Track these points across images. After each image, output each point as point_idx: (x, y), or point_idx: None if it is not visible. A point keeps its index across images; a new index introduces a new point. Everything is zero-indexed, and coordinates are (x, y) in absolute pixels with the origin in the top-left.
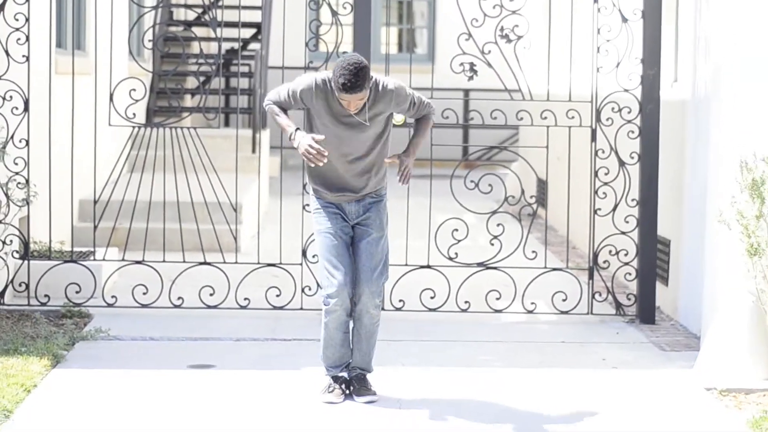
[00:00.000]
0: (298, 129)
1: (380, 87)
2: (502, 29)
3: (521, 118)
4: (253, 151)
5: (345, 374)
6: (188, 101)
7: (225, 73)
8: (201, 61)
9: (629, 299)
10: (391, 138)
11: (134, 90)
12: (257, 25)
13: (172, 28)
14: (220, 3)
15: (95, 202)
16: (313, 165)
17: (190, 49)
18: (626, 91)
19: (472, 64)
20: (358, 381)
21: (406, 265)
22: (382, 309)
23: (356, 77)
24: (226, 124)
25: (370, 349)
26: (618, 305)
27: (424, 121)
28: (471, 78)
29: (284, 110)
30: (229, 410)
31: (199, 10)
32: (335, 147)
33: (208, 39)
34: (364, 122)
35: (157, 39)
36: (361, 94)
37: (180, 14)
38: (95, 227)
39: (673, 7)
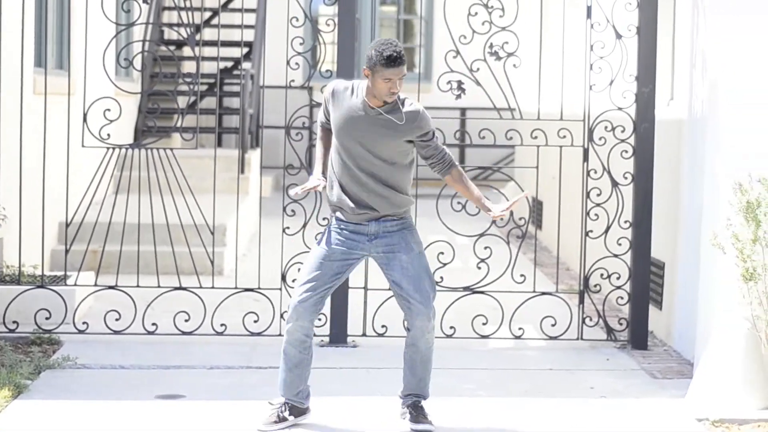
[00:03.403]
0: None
1: (406, 103)
2: (491, 46)
3: (511, 138)
4: (242, 171)
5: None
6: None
7: (218, 93)
8: (180, 80)
9: (621, 324)
10: (413, 169)
11: (109, 110)
12: (249, 44)
13: (163, 48)
14: (211, 22)
15: (67, 224)
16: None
17: (177, 69)
18: (620, 109)
19: (459, 82)
20: (414, 408)
21: (389, 289)
22: (363, 335)
23: (398, 47)
24: (219, 144)
25: (426, 374)
26: (609, 330)
27: (458, 179)
28: (459, 96)
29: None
30: None
31: (189, 30)
32: (358, 152)
33: (189, 58)
34: (391, 118)
35: (133, 58)
36: (404, 70)
37: (173, 35)
38: (66, 251)
39: (670, 23)
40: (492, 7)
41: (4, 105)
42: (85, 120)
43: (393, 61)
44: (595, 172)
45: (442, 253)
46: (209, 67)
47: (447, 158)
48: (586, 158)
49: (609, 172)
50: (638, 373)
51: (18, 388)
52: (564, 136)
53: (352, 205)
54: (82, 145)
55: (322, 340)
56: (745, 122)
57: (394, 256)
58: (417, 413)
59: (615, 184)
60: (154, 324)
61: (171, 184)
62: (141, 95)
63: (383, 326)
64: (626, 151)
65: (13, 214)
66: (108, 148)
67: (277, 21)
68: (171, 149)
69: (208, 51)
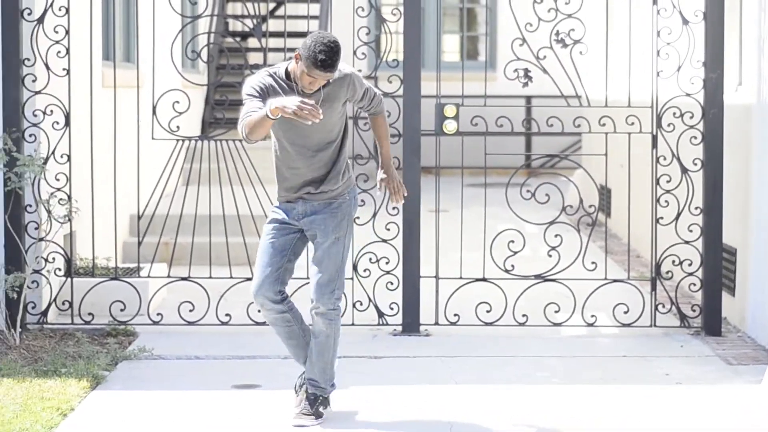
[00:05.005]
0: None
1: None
2: (557, 33)
3: (578, 125)
4: None
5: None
6: None
7: None
8: (247, 72)
9: (694, 310)
10: (350, 141)
11: (177, 102)
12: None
13: (229, 39)
14: (276, 13)
15: (139, 217)
16: (309, 123)
17: (244, 60)
18: (688, 95)
19: (526, 70)
20: (307, 399)
21: (461, 278)
22: (436, 323)
23: (335, 55)
24: None
25: (323, 365)
26: (682, 317)
27: (381, 124)
28: (525, 84)
29: None
30: None
31: (255, 21)
32: (296, 139)
33: (255, 50)
34: (318, 101)
35: (201, 50)
36: (333, 74)
37: (239, 26)
38: (139, 243)
39: (737, 8)
40: None
41: (75, 99)
42: (154, 112)
43: (325, 66)
44: (664, 159)
45: (513, 241)
46: (275, 59)
47: (381, 106)
48: (654, 145)
49: (678, 159)
50: (713, 359)
51: (96, 378)
52: (632, 123)
53: (294, 188)
54: (152, 138)
55: (395, 329)
56: None
57: (314, 237)
58: (308, 405)
59: (684, 170)
60: (227, 315)
61: (240, 175)
62: (208, 87)
63: (456, 315)
64: (695, 138)
65: (85, 207)
66: (177, 140)
67: (342, 11)
68: (240, 140)
69: (274, 42)
